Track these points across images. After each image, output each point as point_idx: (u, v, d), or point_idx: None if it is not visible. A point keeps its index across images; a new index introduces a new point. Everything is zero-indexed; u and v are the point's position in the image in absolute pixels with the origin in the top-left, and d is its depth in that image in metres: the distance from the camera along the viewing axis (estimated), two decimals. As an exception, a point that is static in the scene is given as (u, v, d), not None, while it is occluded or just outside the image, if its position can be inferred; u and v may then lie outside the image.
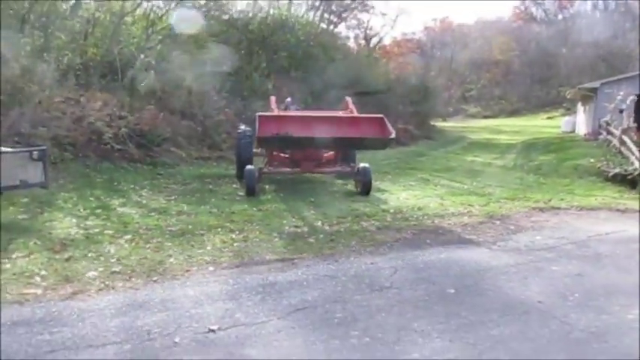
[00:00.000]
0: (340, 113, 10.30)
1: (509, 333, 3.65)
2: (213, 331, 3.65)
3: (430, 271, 5.01)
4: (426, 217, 7.57)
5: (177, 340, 3.51)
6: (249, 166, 9.70)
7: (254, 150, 10.98)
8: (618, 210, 8.35)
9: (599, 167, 15.06)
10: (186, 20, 16.57)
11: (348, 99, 10.54)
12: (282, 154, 10.51)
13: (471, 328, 3.72)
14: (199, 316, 3.89)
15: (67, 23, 14.99)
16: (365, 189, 9.49)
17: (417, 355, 3.32)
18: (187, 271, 4.99)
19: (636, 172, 13.75)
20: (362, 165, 9.89)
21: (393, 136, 8.94)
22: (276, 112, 10.43)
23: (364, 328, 3.70)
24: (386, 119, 9.23)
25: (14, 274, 4.81)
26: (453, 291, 4.49)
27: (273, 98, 11.28)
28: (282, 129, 8.96)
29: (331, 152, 10.61)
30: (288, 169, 10.30)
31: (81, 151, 12.02)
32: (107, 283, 4.61)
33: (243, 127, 11.60)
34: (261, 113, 9.45)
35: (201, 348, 3.41)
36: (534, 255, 5.65)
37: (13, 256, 5.38)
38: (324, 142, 9.12)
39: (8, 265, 5.07)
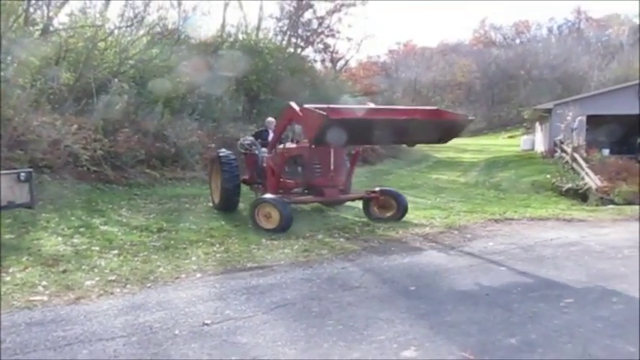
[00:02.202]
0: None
1: (461, 319, 4.31)
2: (207, 324, 4.21)
3: (394, 273, 5.67)
4: (391, 228, 8.23)
5: (176, 332, 4.05)
6: (273, 196, 8.50)
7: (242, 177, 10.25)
8: (565, 220, 9.20)
9: (553, 183, 16.13)
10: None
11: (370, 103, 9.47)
12: (288, 180, 9.30)
13: (428, 316, 4.37)
14: (193, 314, 4.44)
15: (39, 49, 15.32)
16: (402, 212, 8.93)
17: (382, 337, 3.94)
18: (177, 278, 5.52)
19: (586, 187, 14.84)
20: (384, 188, 9.48)
21: (471, 118, 8.40)
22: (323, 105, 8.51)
23: (338, 319, 4.31)
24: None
25: (16, 285, 5.24)
26: (413, 288, 5.15)
27: (293, 103, 9.03)
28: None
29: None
30: (310, 198, 9.19)
31: (58, 174, 12.34)
32: (106, 289, 5.10)
33: (224, 150, 10.54)
34: (309, 105, 7.94)
35: (198, 337, 3.96)
36: (486, 258, 6.38)
37: (10, 270, 5.78)
38: (401, 125, 7.72)
39: (8, 278, 5.48)
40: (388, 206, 9.13)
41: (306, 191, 9.38)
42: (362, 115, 7.81)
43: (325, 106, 8.03)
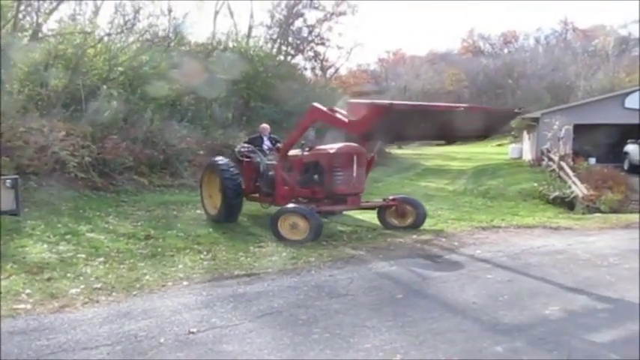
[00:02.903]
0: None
1: (447, 327, 4.32)
2: (193, 332, 4.18)
3: (381, 281, 5.68)
4: (379, 235, 8.25)
5: (162, 340, 4.02)
6: (298, 205, 8.19)
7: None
8: (551, 228, 9.26)
9: (540, 191, 16.25)
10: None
11: None
12: (303, 189, 8.87)
13: (415, 324, 4.38)
14: (179, 322, 4.41)
15: (28, 55, 15.24)
16: (421, 221, 8.89)
17: (368, 346, 3.94)
18: (163, 285, 5.48)
19: (572, 195, 14.97)
20: (404, 196, 9.42)
21: (517, 110, 8.53)
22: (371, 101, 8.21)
23: (324, 327, 4.30)
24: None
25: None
26: (400, 296, 5.16)
27: (317, 104, 8.96)
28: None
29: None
30: (334, 207, 8.79)
31: (45, 180, 12.26)
32: (91, 297, 5.05)
33: (222, 158, 10.09)
34: (356, 100, 7.72)
35: (183, 346, 3.93)
36: (473, 266, 6.41)
37: (-6, 278, 5.72)
38: (460, 117, 7.36)
39: (-9, 286, 5.42)
40: (406, 214, 9.01)
41: (305, 200, 8.95)
42: (425, 106, 7.51)
43: (372, 101, 7.78)
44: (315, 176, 8.74)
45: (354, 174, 8.44)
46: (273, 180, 9.33)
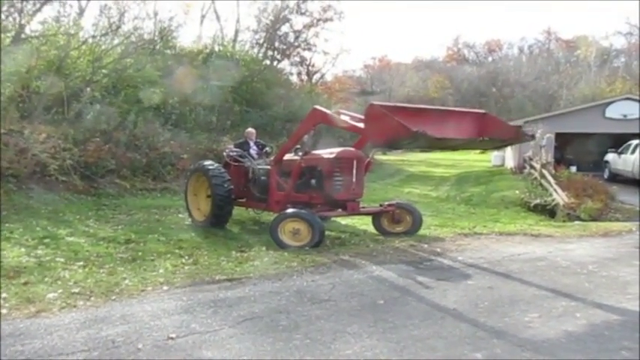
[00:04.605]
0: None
1: (427, 333, 4.32)
2: (172, 338, 4.13)
3: (363, 287, 5.67)
4: (362, 242, 8.25)
5: (140, 346, 3.97)
6: (298, 210, 8.02)
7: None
8: (532, 235, 9.33)
9: (522, 198, 16.38)
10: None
11: None
12: (299, 194, 8.74)
13: (396, 330, 4.37)
14: (158, 327, 4.35)
15: (10, 56, 15.03)
16: (417, 226, 8.90)
17: (349, 352, 3.93)
18: (143, 290, 5.41)
19: (554, 203, 15.11)
20: (399, 202, 9.39)
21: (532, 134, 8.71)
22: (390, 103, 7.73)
23: (305, 332, 4.28)
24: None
25: (-26, 297, 5.08)
26: (382, 302, 5.15)
27: (319, 107, 8.93)
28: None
29: None
30: (334, 212, 8.65)
31: (24, 183, 12.10)
32: (68, 302, 4.97)
33: (212, 162, 9.89)
34: (379, 103, 7.11)
35: (162, 352, 3.89)
36: (454, 272, 6.43)
37: (-31, 282, 5.61)
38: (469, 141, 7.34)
39: (-34, 291, 5.31)
40: (401, 220, 9.01)
41: (300, 205, 8.58)
42: (450, 134, 7.00)
43: (394, 105, 7.41)
44: (313, 181, 8.53)
45: (354, 179, 8.37)
46: (266, 185, 9.21)
